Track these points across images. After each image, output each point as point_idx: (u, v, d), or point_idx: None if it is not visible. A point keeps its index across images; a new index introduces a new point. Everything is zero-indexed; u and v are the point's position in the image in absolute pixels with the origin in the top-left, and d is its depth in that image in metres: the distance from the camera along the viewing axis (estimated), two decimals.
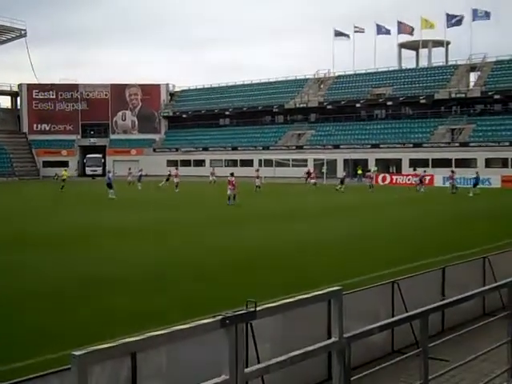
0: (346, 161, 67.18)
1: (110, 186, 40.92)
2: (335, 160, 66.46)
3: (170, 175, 53.75)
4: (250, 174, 61.73)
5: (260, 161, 69.52)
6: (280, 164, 68.52)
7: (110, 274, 14.14)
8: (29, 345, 8.89)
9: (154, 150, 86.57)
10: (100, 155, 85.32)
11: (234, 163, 74.07)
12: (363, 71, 79.92)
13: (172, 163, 78.73)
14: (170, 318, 9.29)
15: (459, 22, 75.28)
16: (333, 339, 3.99)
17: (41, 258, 16.78)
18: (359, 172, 63.35)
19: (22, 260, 16.30)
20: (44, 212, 31.97)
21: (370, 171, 57.67)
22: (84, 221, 26.38)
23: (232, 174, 36.94)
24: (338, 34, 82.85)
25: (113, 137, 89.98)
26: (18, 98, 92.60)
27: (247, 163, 72.87)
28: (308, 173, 60.55)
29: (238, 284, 12.95)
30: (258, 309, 3.73)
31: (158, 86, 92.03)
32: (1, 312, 10.86)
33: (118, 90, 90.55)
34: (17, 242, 19.92)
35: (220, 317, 3.42)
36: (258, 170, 52.76)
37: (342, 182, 49.14)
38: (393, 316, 7.65)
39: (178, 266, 15.37)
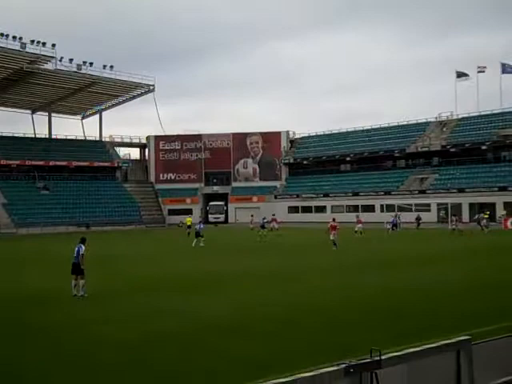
0: (471, 205, 64.83)
1: (198, 234, 41.06)
2: (460, 204, 64.22)
3: (267, 221, 53.89)
4: (372, 220, 61.26)
5: (382, 206, 68.55)
6: (402, 209, 67.13)
7: (239, 319, 14.24)
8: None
9: (275, 197, 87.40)
10: (222, 202, 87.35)
11: (355, 209, 73.31)
12: (488, 112, 77.40)
13: (293, 210, 79.30)
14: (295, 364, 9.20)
15: None
16: None
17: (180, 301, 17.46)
18: (486, 216, 60.65)
19: (158, 301, 16.80)
20: (178, 257, 32.97)
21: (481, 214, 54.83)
22: (210, 267, 26.87)
23: (334, 220, 37.64)
24: (460, 74, 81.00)
25: (235, 184, 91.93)
26: (146, 150, 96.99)
27: (369, 208, 71.97)
28: (418, 218, 60.92)
29: (359, 329, 12.70)
30: (382, 357, 3.62)
31: (279, 133, 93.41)
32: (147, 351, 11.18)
33: (240, 138, 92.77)
34: (156, 285, 20.71)
35: (344, 365, 3.34)
36: (358, 216, 52.48)
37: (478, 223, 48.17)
38: None
39: (304, 311, 15.25)
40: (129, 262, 30.77)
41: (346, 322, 13.92)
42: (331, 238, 35.69)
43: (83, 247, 18.98)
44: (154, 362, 10.68)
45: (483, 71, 79.96)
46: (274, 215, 55.02)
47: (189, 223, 56.20)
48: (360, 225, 48.79)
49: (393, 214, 59.59)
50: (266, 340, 12.27)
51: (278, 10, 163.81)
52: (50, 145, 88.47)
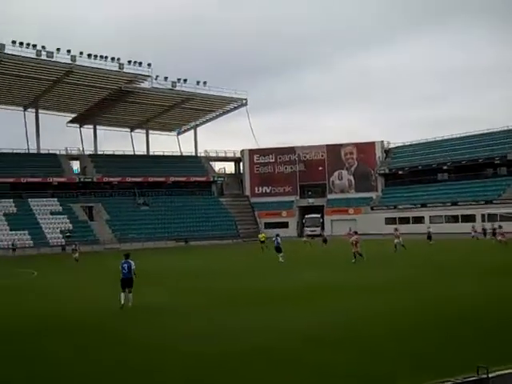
0: None
1: (278, 249, 39.67)
2: None
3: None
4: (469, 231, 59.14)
5: (483, 215, 66.21)
6: (506, 218, 64.51)
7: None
8: None
9: (372, 208, 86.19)
10: (318, 215, 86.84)
11: (454, 219, 71.18)
12: None
13: (390, 221, 77.83)
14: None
15: None
16: None
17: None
18: None
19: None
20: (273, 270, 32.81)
21: None
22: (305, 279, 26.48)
23: (356, 233, 38.66)
24: None
25: (330, 196, 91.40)
26: (241, 163, 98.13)
27: (469, 218, 69.66)
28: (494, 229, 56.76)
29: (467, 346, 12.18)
30: (490, 375, 3.40)
31: (373, 143, 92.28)
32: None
33: (334, 150, 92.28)
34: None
35: (449, 383, 3.17)
36: (396, 229, 48.64)
37: None
38: None
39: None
40: (224, 276, 30.99)
41: (460, 337, 13.33)
42: (353, 250, 35.24)
43: (133, 262, 20.57)
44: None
45: None
46: (396, 230, 50.88)
47: (263, 239, 55.74)
48: (398, 239, 45.19)
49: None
50: (366, 354, 11.94)
51: (366, 20, 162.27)
52: (148, 161, 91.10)
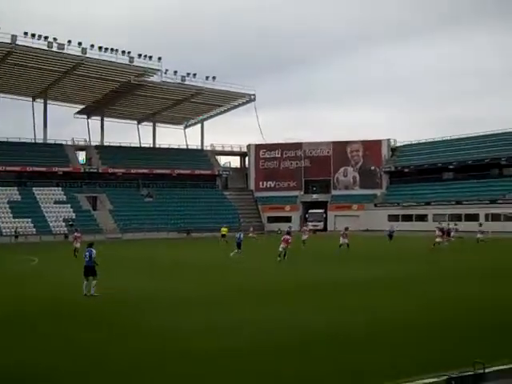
0: None
1: (238, 245, 39.08)
2: None
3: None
4: (476, 229, 59.24)
5: (486, 215, 66.24)
6: (509, 218, 64.51)
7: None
8: None
9: (375, 205, 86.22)
10: (322, 210, 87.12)
11: (457, 218, 71.13)
12: None
13: (393, 218, 77.89)
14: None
15: None
16: None
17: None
18: None
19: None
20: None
21: None
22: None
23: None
24: None
25: (334, 192, 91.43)
26: (247, 158, 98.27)
27: (472, 217, 69.62)
28: None
29: (461, 342, 12.36)
30: (486, 370, 3.52)
31: (379, 141, 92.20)
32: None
33: (340, 147, 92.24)
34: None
35: (445, 377, 3.28)
36: (347, 229, 45.61)
37: None
38: None
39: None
40: (224, 271, 31.05)
41: (456, 335, 13.48)
42: (279, 249, 33.91)
43: (94, 251, 20.66)
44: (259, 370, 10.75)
45: None
46: (346, 229, 49.93)
47: (224, 232, 55.32)
48: (344, 239, 43.61)
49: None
50: (366, 349, 12.14)
51: (380, 17, 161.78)
52: (154, 154, 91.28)
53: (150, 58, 76.11)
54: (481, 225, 52.10)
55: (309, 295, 20.18)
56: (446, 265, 30.85)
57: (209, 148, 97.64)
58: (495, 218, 64.72)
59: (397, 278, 24.17)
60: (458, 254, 38.85)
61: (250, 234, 41.00)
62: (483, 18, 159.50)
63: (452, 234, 51.45)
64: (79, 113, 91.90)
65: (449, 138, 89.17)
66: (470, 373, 3.48)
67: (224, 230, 56.47)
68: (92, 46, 71.91)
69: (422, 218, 76.92)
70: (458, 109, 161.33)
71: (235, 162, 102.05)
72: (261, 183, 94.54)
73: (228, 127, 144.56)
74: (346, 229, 44.58)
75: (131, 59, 74.81)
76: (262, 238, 62.56)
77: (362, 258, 35.81)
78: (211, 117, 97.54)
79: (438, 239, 47.04)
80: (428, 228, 63.63)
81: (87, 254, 20.70)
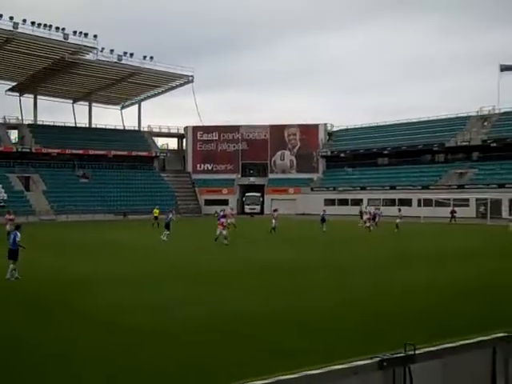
0: (511, 200, 63.81)
1: (167, 226, 38.53)
2: (500, 200, 63.17)
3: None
4: (409, 214, 60.72)
5: (419, 200, 67.89)
6: (440, 204, 66.36)
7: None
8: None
9: (312, 189, 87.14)
10: (259, 194, 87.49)
11: (392, 202, 72.70)
12: None
13: (329, 202, 78.98)
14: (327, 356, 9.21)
15: None
16: None
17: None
18: None
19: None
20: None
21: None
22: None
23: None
24: (504, 68, 79.34)
25: (271, 176, 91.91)
26: (184, 140, 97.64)
27: (406, 202, 71.31)
28: (452, 212, 61.76)
29: (388, 321, 12.68)
30: (417, 352, 3.60)
31: (317, 125, 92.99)
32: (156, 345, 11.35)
33: (277, 130, 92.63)
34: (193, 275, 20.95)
35: (378, 358, 3.33)
36: (275, 210, 48.40)
37: None
38: None
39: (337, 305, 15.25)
40: (158, 251, 31.06)
41: (384, 317, 13.82)
42: (224, 233, 34.47)
43: (19, 234, 20.32)
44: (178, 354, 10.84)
45: None
46: (275, 210, 50.89)
47: (156, 214, 54.86)
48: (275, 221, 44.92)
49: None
50: (301, 331, 12.31)
51: (319, 3, 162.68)
52: (90, 134, 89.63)
53: (86, 35, 74.21)
54: (400, 210, 53.25)
55: (243, 277, 20.39)
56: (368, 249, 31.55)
57: (146, 129, 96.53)
58: (427, 203, 66.36)
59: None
60: (379, 239, 39.72)
61: (171, 216, 41.21)
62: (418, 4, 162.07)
63: (377, 218, 52.41)
64: (11, 90, 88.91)
65: (384, 123, 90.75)
66: (401, 354, 3.57)
67: (156, 211, 55.98)
68: (24, 20, 69.14)
69: (357, 202, 78.24)
70: (394, 95, 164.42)
71: (173, 143, 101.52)
72: (198, 165, 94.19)
73: (166, 109, 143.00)
74: (275, 210, 45.90)
75: (66, 36, 72.67)
76: (182, 219, 62.21)
77: (288, 242, 36.62)
78: (149, 97, 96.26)
79: (367, 223, 48.29)
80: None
81: (12, 236, 20.43)
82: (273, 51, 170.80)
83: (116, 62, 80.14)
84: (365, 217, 51.52)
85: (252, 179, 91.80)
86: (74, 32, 73.24)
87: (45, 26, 71.07)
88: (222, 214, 44.27)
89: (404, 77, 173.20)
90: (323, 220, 46.88)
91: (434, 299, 16.13)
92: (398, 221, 48.72)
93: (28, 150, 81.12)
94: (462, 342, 3.79)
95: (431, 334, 10.70)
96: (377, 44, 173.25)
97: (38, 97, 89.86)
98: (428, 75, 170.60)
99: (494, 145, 73.17)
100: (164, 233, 37.82)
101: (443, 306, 15.13)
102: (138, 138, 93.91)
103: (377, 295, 16.88)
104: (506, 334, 3.80)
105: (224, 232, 34.41)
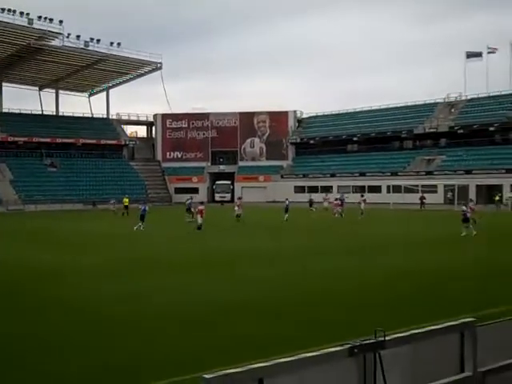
0: (478, 186, 64.71)
1: (141, 217, 37.75)
2: (467, 186, 63.98)
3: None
4: (379, 201, 61.27)
5: (388, 187, 68.47)
6: (409, 190, 67.04)
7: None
8: (161, 367, 9.18)
9: (282, 177, 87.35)
10: (229, 182, 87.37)
11: (361, 189, 73.22)
12: (497, 93, 76.80)
13: (299, 189, 79.27)
14: (297, 344, 9.29)
15: None
16: (466, 373, 3.83)
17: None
18: (497, 199, 60.34)
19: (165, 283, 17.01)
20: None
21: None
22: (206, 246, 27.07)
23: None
24: (471, 55, 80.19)
25: (241, 164, 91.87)
26: (153, 128, 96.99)
27: (375, 189, 71.96)
28: (421, 198, 62.66)
29: (359, 309, 12.81)
30: (387, 338, 3.64)
31: (286, 112, 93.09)
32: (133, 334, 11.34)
33: (247, 118, 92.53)
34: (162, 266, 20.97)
35: (348, 345, 3.36)
36: (240, 198, 49.28)
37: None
38: None
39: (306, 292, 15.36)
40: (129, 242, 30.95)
41: (353, 304, 13.97)
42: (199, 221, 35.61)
43: None
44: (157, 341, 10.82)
45: (494, 52, 79.23)
46: (239, 198, 50.77)
47: (126, 203, 54.44)
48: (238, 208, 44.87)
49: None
50: (271, 320, 12.36)
51: None
52: (57, 122, 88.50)
53: (51, 20, 73.12)
54: (362, 196, 53.92)
55: (219, 266, 20.40)
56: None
57: (115, 117, 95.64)
58: (396, 189, 66.97)
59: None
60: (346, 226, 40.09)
61: (111, 207, 41.43)
62: None
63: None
64: None
65: (353, 110, 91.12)
66: (371, 341, 3.61)
67: (126, 200, 55.52)
68: None
69: (327, 189, 78.53)
70: (364, 81, 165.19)
71: (142, 131, 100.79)
72: (168, 154, 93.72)
73: (135, 96, 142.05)
74: (239, 198, 46.24)
75: (30, 21, 71.46)
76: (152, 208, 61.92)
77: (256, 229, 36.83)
78: (117, 85, 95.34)
79: (337, 208, 48.81)
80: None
81: None
82: (245, 37, 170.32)
83: (82, 49, 79.21)
84: (329, 203, 52.32)
85: (222, 167, 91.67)
86: (39, 17, 72.18)
87: (8, 10, 69.85)
88: (189, 202, 44.59)
89: (380, 63, 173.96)
90: (286, 210, 45.15)
91: (405, 286, 16.33)
92: (362, 206, 49.12)
93: None
94: (430, 328, 3.84)
95: (400, 320, 10.83)
96: (355, 30, 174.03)
97: (3, 84, 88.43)
98: (404, 61, 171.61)
99: (461, 131, 74.05)
100: (138, 224, 37.29)
101: (415, 292, 15.32)
102: (107, 126, 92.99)
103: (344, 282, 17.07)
104: (473, 319, 3.86)
105: (199, 220, 35.35)
